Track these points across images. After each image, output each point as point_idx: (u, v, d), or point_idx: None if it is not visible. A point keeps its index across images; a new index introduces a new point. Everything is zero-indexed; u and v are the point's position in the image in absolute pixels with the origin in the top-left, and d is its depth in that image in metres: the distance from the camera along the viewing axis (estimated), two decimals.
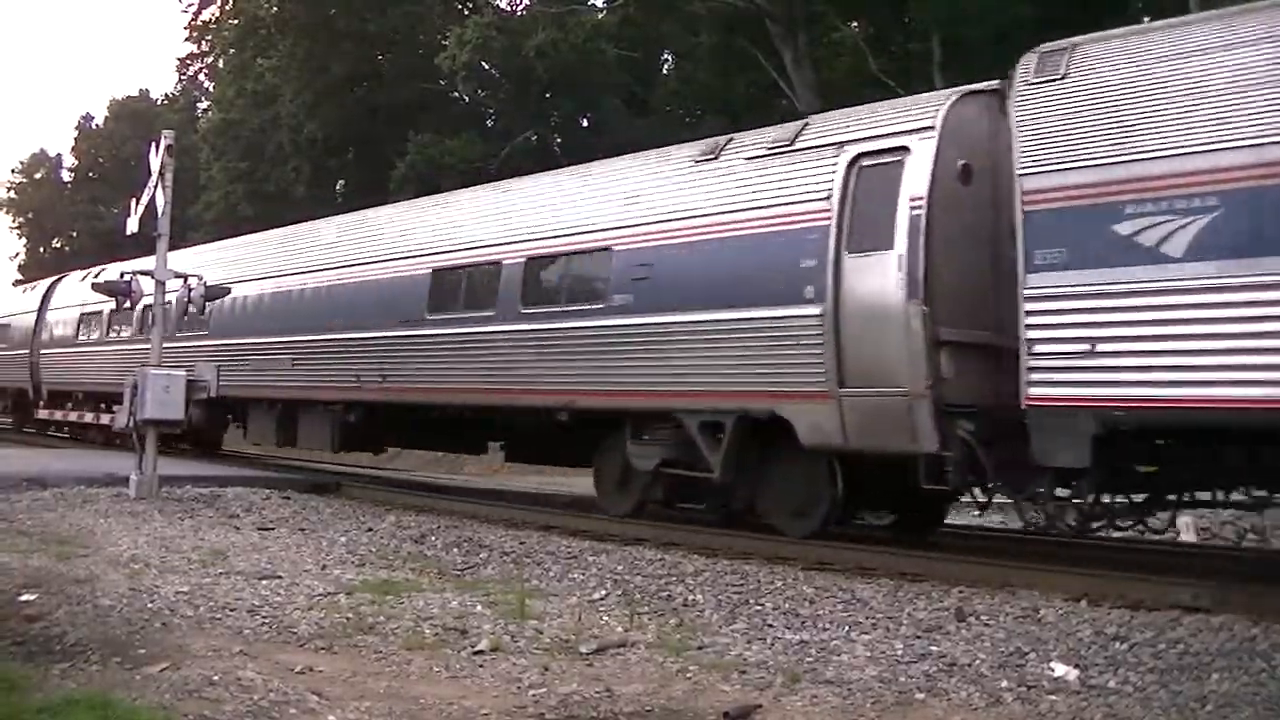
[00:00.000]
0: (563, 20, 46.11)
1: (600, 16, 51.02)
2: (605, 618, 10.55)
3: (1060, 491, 12.72)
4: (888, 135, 14.38)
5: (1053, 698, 7.89)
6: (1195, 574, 12.20)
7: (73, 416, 34.54)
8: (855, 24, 45.22)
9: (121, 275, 21.86)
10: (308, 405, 23.83)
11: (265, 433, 25.73)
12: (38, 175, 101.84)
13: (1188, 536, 17.53)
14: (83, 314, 34.42)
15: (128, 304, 21.97)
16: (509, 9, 53.75)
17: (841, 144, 14.76)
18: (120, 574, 11.63)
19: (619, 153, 20.09)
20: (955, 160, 13.80)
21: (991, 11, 36.27)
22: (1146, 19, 43.69)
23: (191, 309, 21.64)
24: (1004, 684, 8.19)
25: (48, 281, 40.41)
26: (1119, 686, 8.17)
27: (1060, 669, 8.53)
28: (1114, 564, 13.11)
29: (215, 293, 21.87)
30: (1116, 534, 14.10)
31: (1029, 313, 12.33)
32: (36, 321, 38.14)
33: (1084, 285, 11.94)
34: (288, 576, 12.00)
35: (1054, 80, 12.72)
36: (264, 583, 11.53)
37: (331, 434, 23.13)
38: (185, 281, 21.37)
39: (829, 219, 14.34)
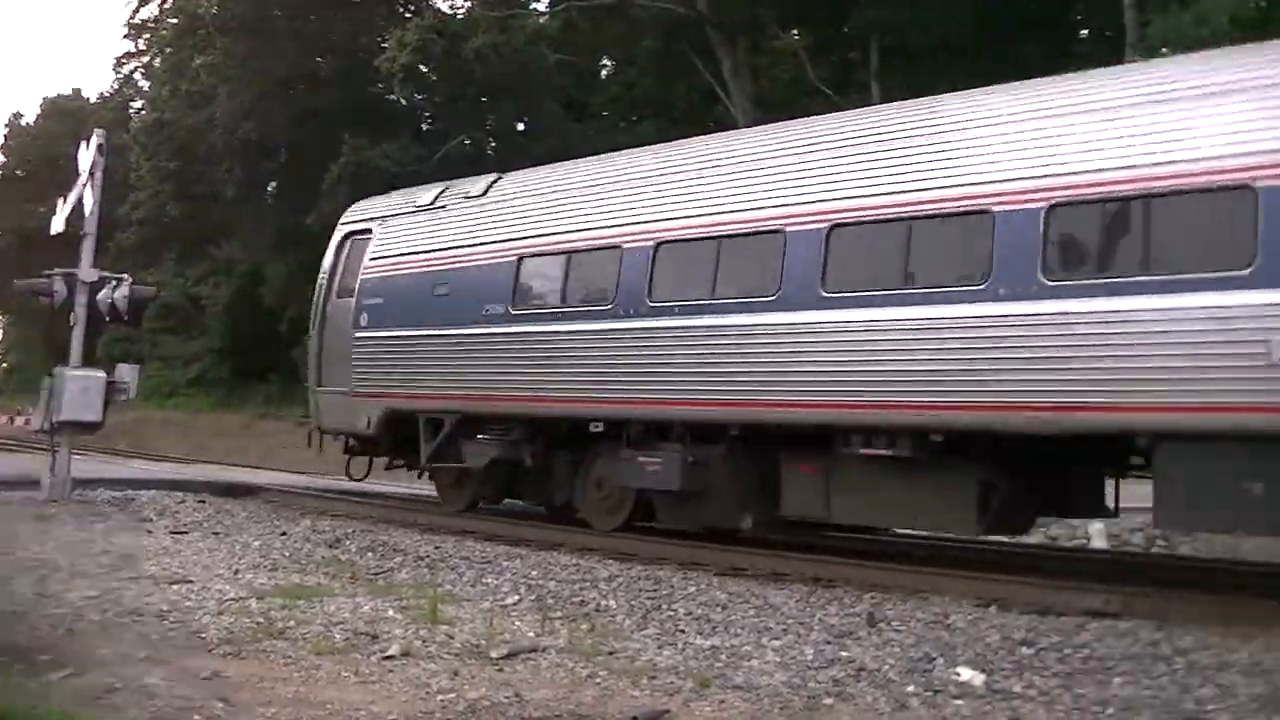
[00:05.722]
0: (504, 23, 45.98)
1: (542, 20, 50.96)
2: (517, 623, 10.50)
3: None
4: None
5: (958, 702, 7.93)
6: (1102, 579, 12.43)
7: None
8: (796, 33, 45.33)
9: (43, 275, 21.60)
10: None
11: None
12: None
13: (1099, 543, 17.76)
14: None
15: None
16: (450, 11, 53.62)
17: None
18: (27, 579, 11.50)
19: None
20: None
21: (933, 21, 36.39)
22: (1084, 33, 44.38)
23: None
24: (911, 689, 8.23)
25: None
26: (1023, 690, 8.22)
27: (966, 674, 8.57)
28: (1027, 570, 13.28)
29: (140, 295, 21.54)
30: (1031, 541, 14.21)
31: None
32: None
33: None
34: (199, 581, 11.85)
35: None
36: (174, 587, 11.42)
37: None
38: (110, 283, 20.92)
39: None
